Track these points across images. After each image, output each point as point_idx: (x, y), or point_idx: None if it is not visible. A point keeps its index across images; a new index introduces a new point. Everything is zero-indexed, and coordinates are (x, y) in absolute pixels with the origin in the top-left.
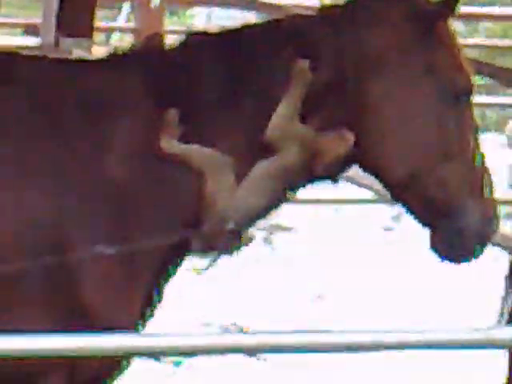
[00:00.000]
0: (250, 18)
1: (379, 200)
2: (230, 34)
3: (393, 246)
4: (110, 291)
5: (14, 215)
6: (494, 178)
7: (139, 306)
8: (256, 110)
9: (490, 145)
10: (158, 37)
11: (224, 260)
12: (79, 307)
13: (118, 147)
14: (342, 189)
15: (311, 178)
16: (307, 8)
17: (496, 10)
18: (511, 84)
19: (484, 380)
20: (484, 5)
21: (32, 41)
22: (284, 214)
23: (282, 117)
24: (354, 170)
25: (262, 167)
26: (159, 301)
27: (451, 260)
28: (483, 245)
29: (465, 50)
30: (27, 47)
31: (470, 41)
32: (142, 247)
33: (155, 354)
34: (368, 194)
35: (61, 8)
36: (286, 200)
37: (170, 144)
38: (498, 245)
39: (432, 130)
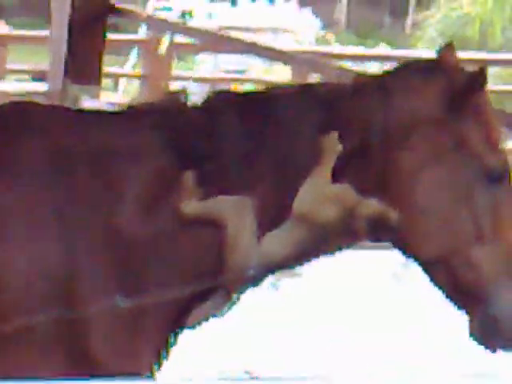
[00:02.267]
0: (257, 63)
1: (389, 246)
2: (258, 96)
3: (401, 293)
4: (118, 344)
5: (25, 267)
6: None
7: (148, 359)
8: (279, 178)
9: None
10: (180, 93)
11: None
12: (85, 358)
13: (130, 200)
14: None
15: (354, 238)
16: (314, 53)
17: (503, 55)
18: None
19: None
20: (491, 51)
21: (40, 87)
22: None
23: (312, 190)
24: None
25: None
26: (168, 353)
27: (489, 349)
28: None
29: None
30: (35, 93)
31: None
32: (156, 299)
33: None
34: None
35: (69, 54)
36: (319, 256)
37: (190, 206)
38: None
39: (460, 209)
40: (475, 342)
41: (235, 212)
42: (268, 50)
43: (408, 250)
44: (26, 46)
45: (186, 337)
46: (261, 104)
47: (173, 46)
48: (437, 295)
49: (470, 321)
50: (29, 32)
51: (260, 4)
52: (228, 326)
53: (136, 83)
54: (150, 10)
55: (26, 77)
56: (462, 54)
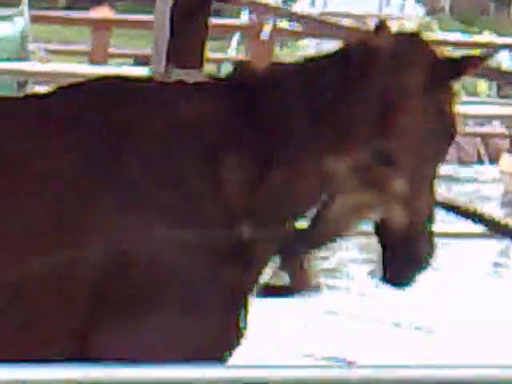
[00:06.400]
0: None
1: (487, 235)
2: (311, 64)
3: (499, 282)
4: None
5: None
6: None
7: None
8: (336, 137)
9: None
10: (251, 65)
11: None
12: None
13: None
14: (451, 223)
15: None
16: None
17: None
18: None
19: None
20: None
21: (142, 71)
22: None
23: None
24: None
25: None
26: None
27: (398, 285)
28: (420, 271)
29: None
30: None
31: None
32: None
33: None
34: (475, 228)
35: (172, 39)
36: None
37: None
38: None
39: (430, 168)
40: (386, 279)
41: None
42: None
43: None
44: (129, 30)
45: (280, 324)
46: (316, 72)
47: (275, 31)
48: None
49: (387, 261)
50: (132, 16)
51: None
52: (323, 314)
53: None
54: None
55: (129, 60)
56: None
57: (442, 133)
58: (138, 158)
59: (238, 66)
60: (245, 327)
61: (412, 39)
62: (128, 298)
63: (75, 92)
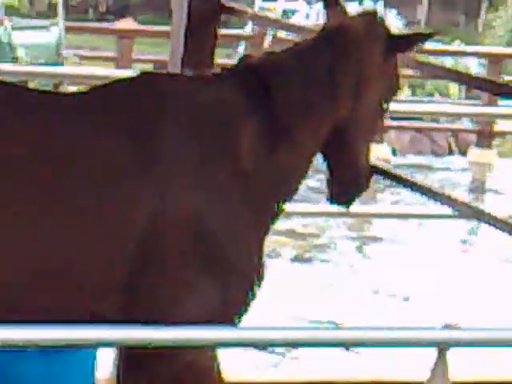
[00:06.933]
0: None
1: (458, 216)
2: (297, 51)
3: (468, 256)
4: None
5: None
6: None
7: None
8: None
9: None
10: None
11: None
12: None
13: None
14: (427, 205)
15: None
16: None
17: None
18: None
19: None
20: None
21: None
22: (376, 227)
23: None
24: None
25: None
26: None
27: (338, 201)
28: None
29: None
30: None
31: None
32: None
33: (262, 346)
34: (448, 211)
35: (186, 47)
36: None
37: None
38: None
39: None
40: (331, 199)
41: None
42: None
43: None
44: (149, 39)
45: (277, 288)
46: (305, 56)
47: (275, 40)
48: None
49: (333, 183)
50: (152, 27)
51: (351, 5)
52: (316, 279)
53: None
54: (256, 8)
55: (150, 66)
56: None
57: (391, 88)
58: (182, 134)
59: (242, 58)
60: (254, 296)
61: (373, 19)
62: (166, 257)
63: (126, 84)
